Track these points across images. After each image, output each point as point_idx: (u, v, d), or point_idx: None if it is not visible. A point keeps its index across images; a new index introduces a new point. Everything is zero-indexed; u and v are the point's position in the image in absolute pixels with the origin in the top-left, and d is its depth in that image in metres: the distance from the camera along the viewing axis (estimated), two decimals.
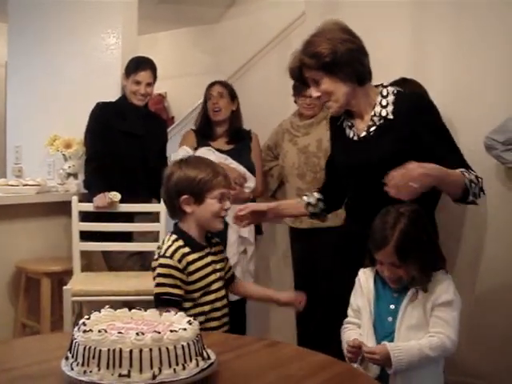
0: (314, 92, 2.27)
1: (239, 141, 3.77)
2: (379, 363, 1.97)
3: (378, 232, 2.02)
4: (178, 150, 3.75)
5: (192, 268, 2.18)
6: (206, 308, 2.20)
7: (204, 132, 3.78)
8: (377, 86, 2.32)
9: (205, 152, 3.69)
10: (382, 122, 2.25)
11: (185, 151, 3.71)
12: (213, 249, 2.30)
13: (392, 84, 3.29)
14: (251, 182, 3.66)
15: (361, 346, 1.99)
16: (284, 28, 4.20)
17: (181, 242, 2.20)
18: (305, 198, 2.54)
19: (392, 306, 2.06)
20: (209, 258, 2.24)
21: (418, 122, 2.18)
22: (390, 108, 2.25)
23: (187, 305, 2.17)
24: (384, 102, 2.27)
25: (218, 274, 2.26)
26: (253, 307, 3.76)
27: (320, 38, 2.25)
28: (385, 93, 2.29)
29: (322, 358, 1.81)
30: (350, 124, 2.35)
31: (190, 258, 2.18)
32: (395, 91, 2.30)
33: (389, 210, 2.04)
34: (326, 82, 2.22)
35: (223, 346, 1.80)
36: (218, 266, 2.27)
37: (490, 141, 3.27)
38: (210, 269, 2.23)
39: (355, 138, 2.32)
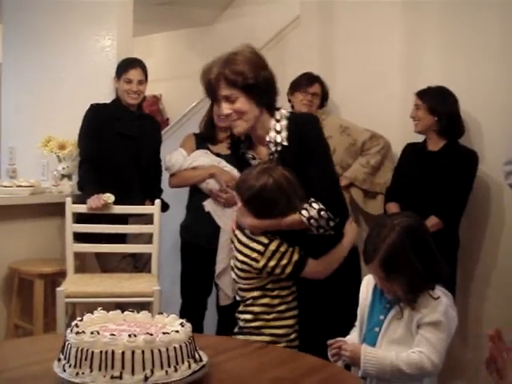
0: (226, 109, 2.27)
1: None
2: (349, 361, 1.93)
3: (369, 245, 1.99)
4: (173, 152, 3.75)
5: None
6: None
7: (207, 135, 3.77)
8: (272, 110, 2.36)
9: (200, 154, 3.70)
10: (279, 148, 2.30)
11: (179, 153, 3.71)
12: None
13: (424, 91, 3.34)
14: None
15: (340, 347, 1.97)
16: (279, 31, 4.21)
17: None
18: None
19: (381, 317, 2.01)
20: None
21: (304, 146, 2.27)
22: (284, 134, 2.30)
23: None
24: (278, 127, 2.31)
25: None
26: None
27: (241, 58, 2.28)
28: (278, 116, 2.34)
29: (312, 361, 1.82)
30: (251, 156, 2.41)
31: None
32: (288, 114, 2.36)
33: (385, 222, 2.00)
34: (243, 101, 2.25)
35: (215, 349, 1.81)
36: None
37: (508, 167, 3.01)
38: None
39: None
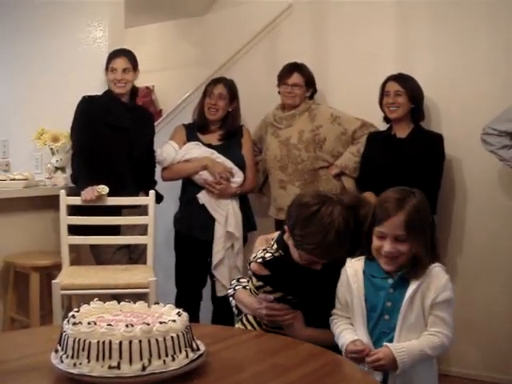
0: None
1: (231, 137, 3.77)
2: (385, 368, 1.88)
3: (390, 202, 1.97)
4: (164, 145, 3.75)
5: None
6: None
7: (200, 123, 3.77)
8: None
9: (191, 146, 3.71)
10: None
11: (170, 146, 3.71)
12: None
13: (402, 78, 3.42)
14: (238, 177, 3.65)
15: (364, 349, 1.91)
16: (271, 20, 4.20)
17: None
18: None
19: (389, 304, 1.96)
20: None
21: None
22: None
23: None
24: None
25: None
26: None
27: None
28: None
29: (309, 348, 1.82)
30: None
31: None
32: None
33: (402, 187, 2.03)
34: None
35: (212, 338, 1.81)
36: None
37: (491, 130, 3.21)
38: None
39: None
